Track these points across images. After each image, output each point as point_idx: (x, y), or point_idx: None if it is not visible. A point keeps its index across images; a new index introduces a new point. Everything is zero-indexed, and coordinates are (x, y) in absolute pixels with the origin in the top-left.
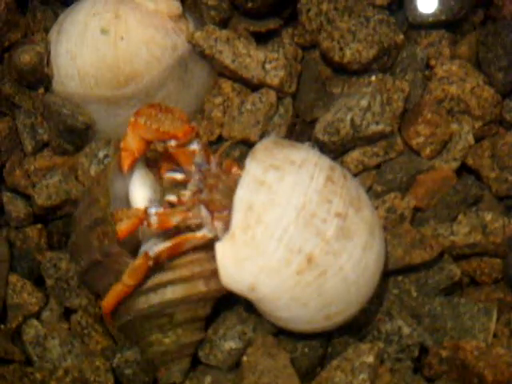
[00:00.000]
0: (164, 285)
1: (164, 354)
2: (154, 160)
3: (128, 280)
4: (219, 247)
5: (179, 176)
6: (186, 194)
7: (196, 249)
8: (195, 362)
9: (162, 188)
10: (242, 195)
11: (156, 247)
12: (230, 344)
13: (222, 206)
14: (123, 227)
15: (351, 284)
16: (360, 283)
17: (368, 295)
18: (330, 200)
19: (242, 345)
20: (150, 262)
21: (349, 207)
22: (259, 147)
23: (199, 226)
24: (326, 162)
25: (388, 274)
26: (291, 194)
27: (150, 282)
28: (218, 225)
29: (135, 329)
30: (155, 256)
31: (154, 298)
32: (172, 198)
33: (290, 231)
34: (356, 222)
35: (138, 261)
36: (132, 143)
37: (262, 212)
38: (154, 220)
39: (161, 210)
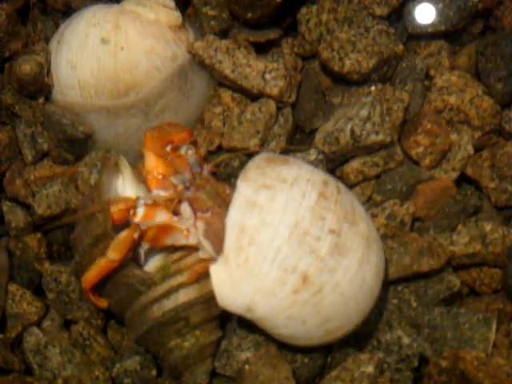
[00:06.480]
0: (175, 289)
1: (186, 358)
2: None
3: (112, 253)
4: (214, 270)
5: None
6: (172, 187)
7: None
8: None
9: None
10: (233, 217)
11: (146, 222)
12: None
13: (206, 206)
14: (114, 211)
15: (349, 299)
16: (359, 297)
17: (369, 307)
18: (323, 217)
19: None
20: (136, 234)
21: (343, 223)
22: (251, 166)
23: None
24: (319, 176)
25: (393, 282)
26: (283, 214)
27: (161, 289)
28: (200, 226)
29: (153, 338)
30: (144, 229)
31: (168, 304)
32: (160, 193)
33: (283, 251)
34: (351, 236)
35: (125, 232)
36: (151, 164)
37: (254, 233)
38: (140, 211)
39: (149, 202)
